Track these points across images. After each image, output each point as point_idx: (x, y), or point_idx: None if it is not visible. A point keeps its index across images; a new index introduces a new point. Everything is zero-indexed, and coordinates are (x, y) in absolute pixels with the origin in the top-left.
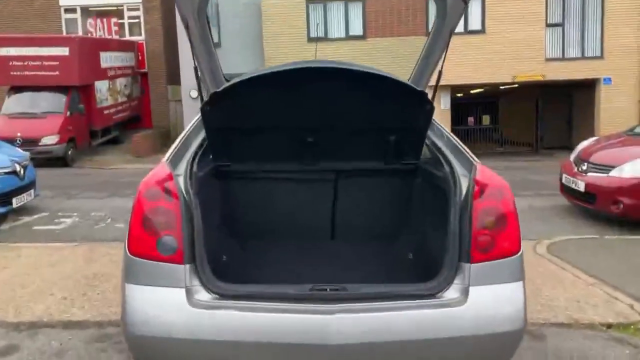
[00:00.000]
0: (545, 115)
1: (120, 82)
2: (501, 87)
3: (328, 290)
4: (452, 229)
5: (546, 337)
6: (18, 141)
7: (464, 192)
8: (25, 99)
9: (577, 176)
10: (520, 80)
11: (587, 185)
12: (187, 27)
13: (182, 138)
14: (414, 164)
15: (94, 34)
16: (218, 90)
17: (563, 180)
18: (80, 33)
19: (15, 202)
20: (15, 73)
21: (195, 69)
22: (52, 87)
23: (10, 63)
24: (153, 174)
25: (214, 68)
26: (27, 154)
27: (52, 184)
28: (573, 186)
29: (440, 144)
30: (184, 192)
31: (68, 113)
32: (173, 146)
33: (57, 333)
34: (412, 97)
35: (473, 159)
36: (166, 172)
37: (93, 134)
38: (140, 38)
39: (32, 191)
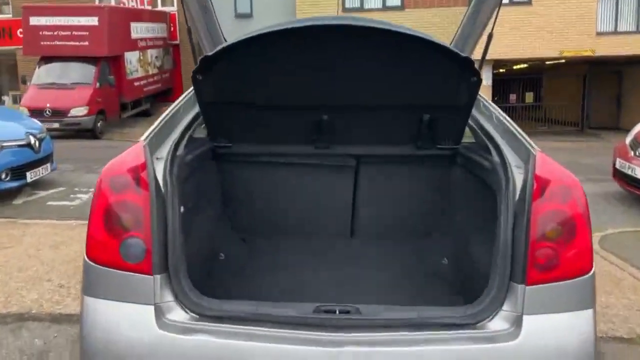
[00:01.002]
0: (592, 93)
1: (151, 54)
2: (546, 63)
3: (337, 312)
4: (502, 238)
5: (604, 355)
6: (47, 112)
7: (518, 189)
8: (55, 70)
9: (633, 161)
10: (568, 55)
11: None
12: None
13: (168, 113)
14: (452, 150)
15: (126, 4)
16: (211, 53)
17: (617, 165)
18: (112, 3)
19: (30, 176)
20: (45, 43)
21: (189, 29)
22: (81, 57)
23: (41, 33)
24: (121, 158)
25: (210, 26)
26: (43, 126)
27: (76, 157)
28: (628, 172)
29: (487, 126)
30: (160, 182)
31: (97, 84)
32: (156, 123)
33: (43, 329)
34: (454, 65)
35: (531, 146)
36: (139, 156)
37: (123, 106)
38: (172, 9)
39: (48, 165)
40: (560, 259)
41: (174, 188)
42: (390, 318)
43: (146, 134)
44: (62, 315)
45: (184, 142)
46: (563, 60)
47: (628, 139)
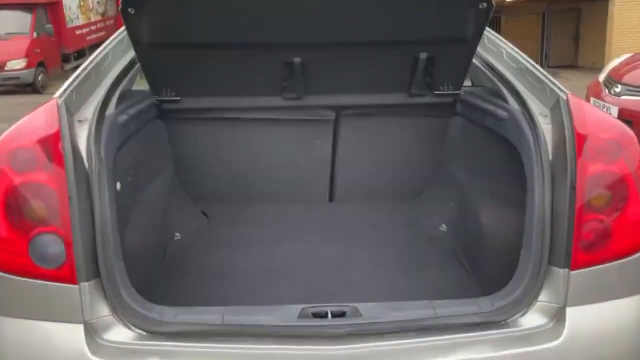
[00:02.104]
0: (551, 31)
1: None
2: (505, 1)
3: (329, 315)
4: (536, 210)
5: None
6: None
7: (549, 145)
8: None
9: (608, 100)
10: None
11: (620, 110)
12: None
13: (93, 60)
14: (453, 97)
15: None
16: None
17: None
18: None
19: None
20: None
21: None
22: (14, 4)
23: None
24: (27, 123)
25: None
26: None
27: (11, 115)
28: (603, 111)
29: (497, 65)
30: (83, 153)
31: (35, 34)
32: (76, 73)
33: None
34: None
35: (558, 88)
36: (51, 119)
37: (65, 57)
38: None
39: None
40: (612, 234)
41: (102, 160)
42: (400, 320)
43: (62, 88)
44: None
45: (114, 97)
46: None
47: (601, 77)
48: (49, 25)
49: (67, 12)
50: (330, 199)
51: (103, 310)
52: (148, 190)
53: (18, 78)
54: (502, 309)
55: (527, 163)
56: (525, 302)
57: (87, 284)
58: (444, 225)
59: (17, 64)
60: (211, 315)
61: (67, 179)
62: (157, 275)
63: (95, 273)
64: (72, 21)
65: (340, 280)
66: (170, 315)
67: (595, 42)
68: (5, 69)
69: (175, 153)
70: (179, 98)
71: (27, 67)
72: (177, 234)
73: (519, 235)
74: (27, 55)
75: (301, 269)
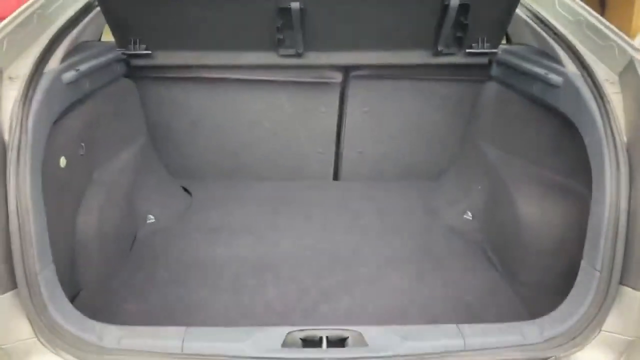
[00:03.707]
0: None
1: None
2: None
3: (324, 343)
4: (607, 209)
5: None
6: None
7: (622, 122)
8: None
9: None
10: None
11: None
12: None
13: (32, 3)
14: (489, 56)
15: None
16: None
17: None
18: None
19: None
20: None
21: None
22: None
23: None
24: None
25: None
26: None
27: None
28: None
29: (549, 17)
30: (5, 121)
31: None
32: (7, 19)
33: None
34: None
35: (631, 46)
36: None
37: None
38: None
39: None
40: None
41: (27, 130)
42: (417, 354)
43: None
44: None
45: (60, 49)
46: None
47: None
48: None
49: None
50: (335, 177)
51: (22, 332)
52: (111, 165)
53: None
54: (555, 341)
55: (593, 146)
56: (585, 332)
57: (4, 295)
58: (469, 213)
59: None
60: (168, 341)
61: None
62: (119, 270)
63: (11, 283)
64: None
65: (342, 279)
66: (114, 338)
67: (624, 5)
68: None
69: (150, 120)
70: (149, 52)
71: None
72: (151, 217)
73: (569, 234)
74: None
75: (295, 264)
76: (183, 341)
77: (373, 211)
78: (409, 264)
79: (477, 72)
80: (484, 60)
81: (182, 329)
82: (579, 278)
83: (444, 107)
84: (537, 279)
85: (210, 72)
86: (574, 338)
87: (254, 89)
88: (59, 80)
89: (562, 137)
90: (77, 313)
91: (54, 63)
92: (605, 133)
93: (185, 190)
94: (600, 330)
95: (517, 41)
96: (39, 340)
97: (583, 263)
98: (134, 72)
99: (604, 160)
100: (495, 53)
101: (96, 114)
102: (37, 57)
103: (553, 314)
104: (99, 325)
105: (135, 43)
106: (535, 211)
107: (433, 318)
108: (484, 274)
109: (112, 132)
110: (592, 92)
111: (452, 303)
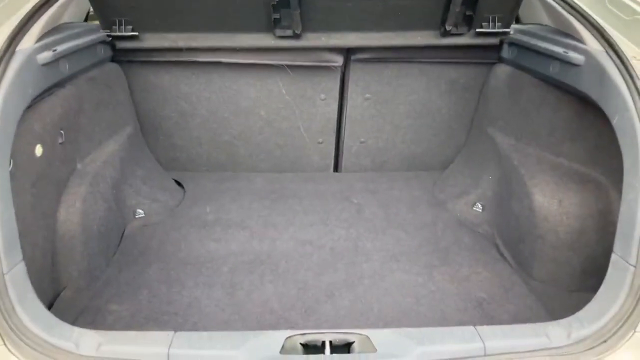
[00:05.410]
0: None
1: None
2: None
3: (327, 349)
4: (634, 190)
5: None
6: None
7: None
8: None
9: None
10: None
11: None
12: None
13: None
14: (501, 37)
15: None
16: None
17: None
18: None
19: None
20: None
21: None
22: None
23: None
24: None
25: None
26: None
27: None
28: None
29: None
30: None
31: None
32: None
33: None
34: None
35: None
36: None
37: None
38: None
39: None
40: None
41: (6, 111)
42: None
43: None
44: None
45: (34, 27)
46: None
47: None
48: None
49: None
50: (336, 169)
51: None
52: (96, 155)
53: None
54: (584, 344)
55: (624, 129)
56: (619, 334)
57: None
58: (479, 205)
59: None
60: (152, 348)
61: None
62: (105, 268)
63: None
64: None
65: (344, 276)
66: (92, 344)
67: None
68: None
69: (138, 108)
70: (136, 34)
71: None
72: (140, 211)
73: (588, 226)
74: None
75: (294, 261)
76: (169, 348)
77: (376, 204)
78: (415, 259)
79: (487, 54)
80: (494, 40)
81: (169, 334)
82: (609, 273)
83: (451, 92)
84: (554, 275)
85: (201, 55)
86: (605, 340)
87: (248, 74)
88: (34, 61)
89: (581, 122)
90: (51, 317)
91: (28, 42)
92: (637, 111)
93: (177, 183)
94: (635, 331)
95: (528, 21)
96: (5, 346)
97: (614, 257)
98: (120, 55)
99: (637, 140)
100: (507, 33)
101: (78, 99)
102: (8, 34)
103: (580, 313)
104: (76, 330)
105: (120, 24)
106: (551, 202)
107: (443, 317)
108: (495, 269)
109: (97, 119)
110: (618, 69)
111: (463, 301)
